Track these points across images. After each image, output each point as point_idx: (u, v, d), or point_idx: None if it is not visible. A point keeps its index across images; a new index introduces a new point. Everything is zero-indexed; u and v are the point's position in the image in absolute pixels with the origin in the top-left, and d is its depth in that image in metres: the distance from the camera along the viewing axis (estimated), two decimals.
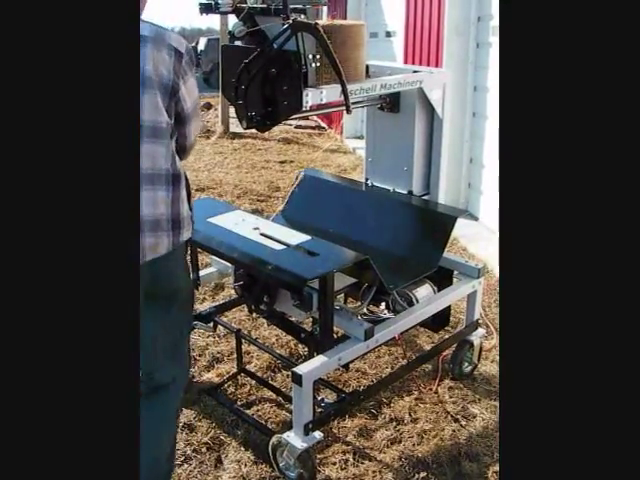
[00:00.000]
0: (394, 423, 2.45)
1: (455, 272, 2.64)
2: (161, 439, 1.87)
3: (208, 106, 10.89)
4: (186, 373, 2.06)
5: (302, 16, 1.90)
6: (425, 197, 2.72)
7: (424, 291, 2.47)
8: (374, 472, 2.19)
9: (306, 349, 2.72)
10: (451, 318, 2.74)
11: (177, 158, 1.74)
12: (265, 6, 1.94)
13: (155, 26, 1.65)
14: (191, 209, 1.84)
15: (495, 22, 4.55)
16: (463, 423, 2.46)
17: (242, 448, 2.30)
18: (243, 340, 2.70)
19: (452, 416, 2.50)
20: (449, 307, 2.62)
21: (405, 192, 2.70)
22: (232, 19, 2.12)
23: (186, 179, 1.82)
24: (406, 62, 5.76)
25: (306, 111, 2.10)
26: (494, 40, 4.57)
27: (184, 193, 1.78)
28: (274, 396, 2.57)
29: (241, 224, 2.41)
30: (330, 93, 2.06)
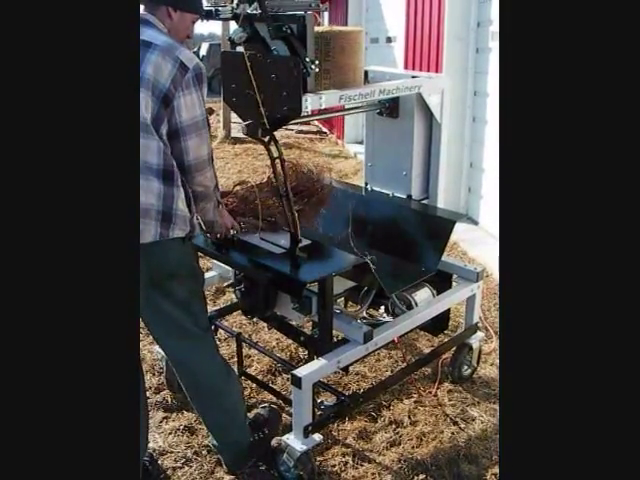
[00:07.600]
0: (393, 426, 2.46)
1: (454, 276, 2.66)
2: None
3: (210, 111, 10.91)
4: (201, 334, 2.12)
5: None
6: (424, 201, 2.73)
7: (423, 295, 2.48)
8: (373, 474, 2.20)
9: (306, 352, 2.73)
10: (450, 322, 2.75)
11: (172, 159, 1.81)
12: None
13: (172, 41, 1.79)
14: (191, 212, 1.90)
15: (495, 27, 4.57)
16: (462, 426, 2.47)
17: None
18: (244, 344, 2.71)
19: (451, 419, 2.51)
20: (448, 310, 2.63)
21: (404, 196, 2.71)
22: (233, 25, 2.14)
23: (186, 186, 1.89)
24: (406, 67, 5.78)
25: (306, 116, 2.12)
26: (494, 45, 4.59)
27: (182, 193, 1.85)
28: (274, 399, 2.58)
29: None
30: (329, 98, 2.08)
